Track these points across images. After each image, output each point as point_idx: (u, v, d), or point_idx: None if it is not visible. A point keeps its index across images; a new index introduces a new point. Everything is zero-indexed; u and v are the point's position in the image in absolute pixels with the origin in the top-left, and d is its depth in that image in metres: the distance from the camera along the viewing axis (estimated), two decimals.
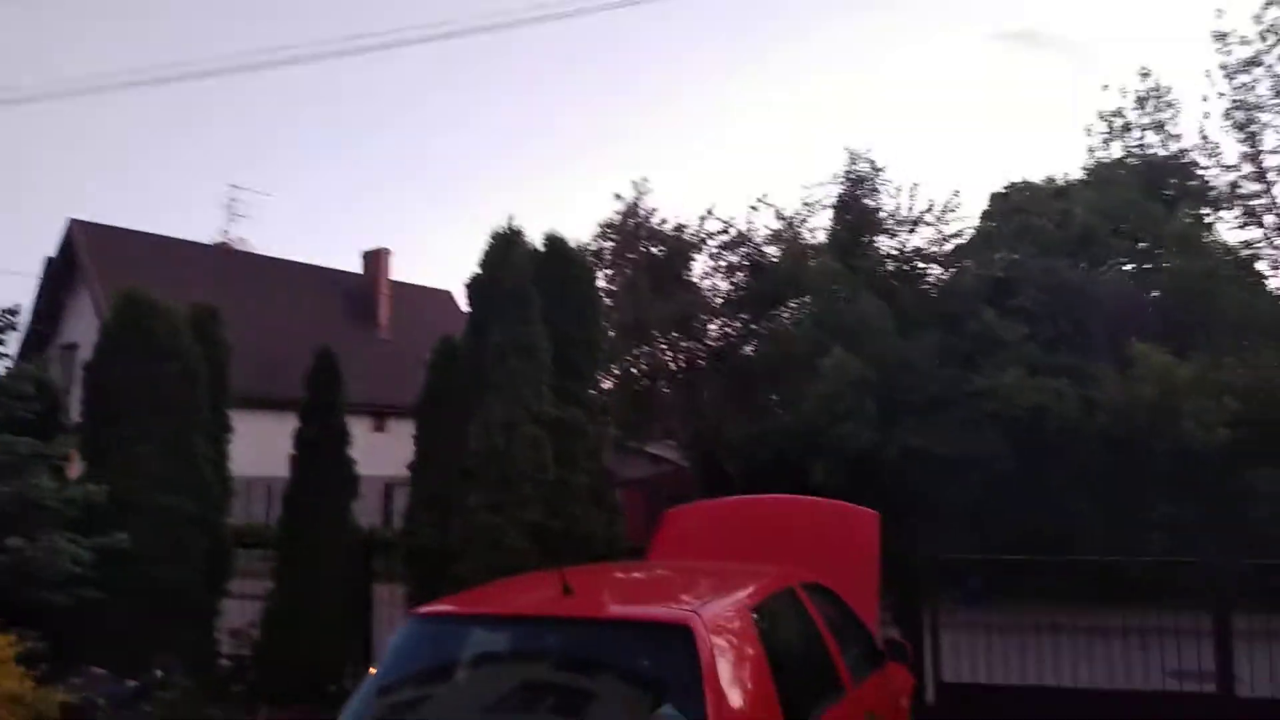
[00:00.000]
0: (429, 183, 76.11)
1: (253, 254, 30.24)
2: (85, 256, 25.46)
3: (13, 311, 7.31)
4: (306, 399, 7.97)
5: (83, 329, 24.79)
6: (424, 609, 4.17)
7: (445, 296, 35.30)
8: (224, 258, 29.11)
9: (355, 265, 32.33)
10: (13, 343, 8.07)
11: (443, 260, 72.85)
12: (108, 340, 7.69)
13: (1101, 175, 20.69)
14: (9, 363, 7.66)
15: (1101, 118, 22.03)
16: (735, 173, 64.53)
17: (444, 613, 4.15)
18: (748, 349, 20.32)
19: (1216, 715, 6.51)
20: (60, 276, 26.73)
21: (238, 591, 8.42)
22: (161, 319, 7.77)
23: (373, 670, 3.97)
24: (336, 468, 7.81)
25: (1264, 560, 11.88)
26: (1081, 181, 21.81)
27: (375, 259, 31.76)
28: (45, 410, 7.41)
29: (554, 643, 3.92)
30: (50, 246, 27.20)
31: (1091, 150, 22.19)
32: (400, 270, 34.18)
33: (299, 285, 29.90)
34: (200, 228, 75.83)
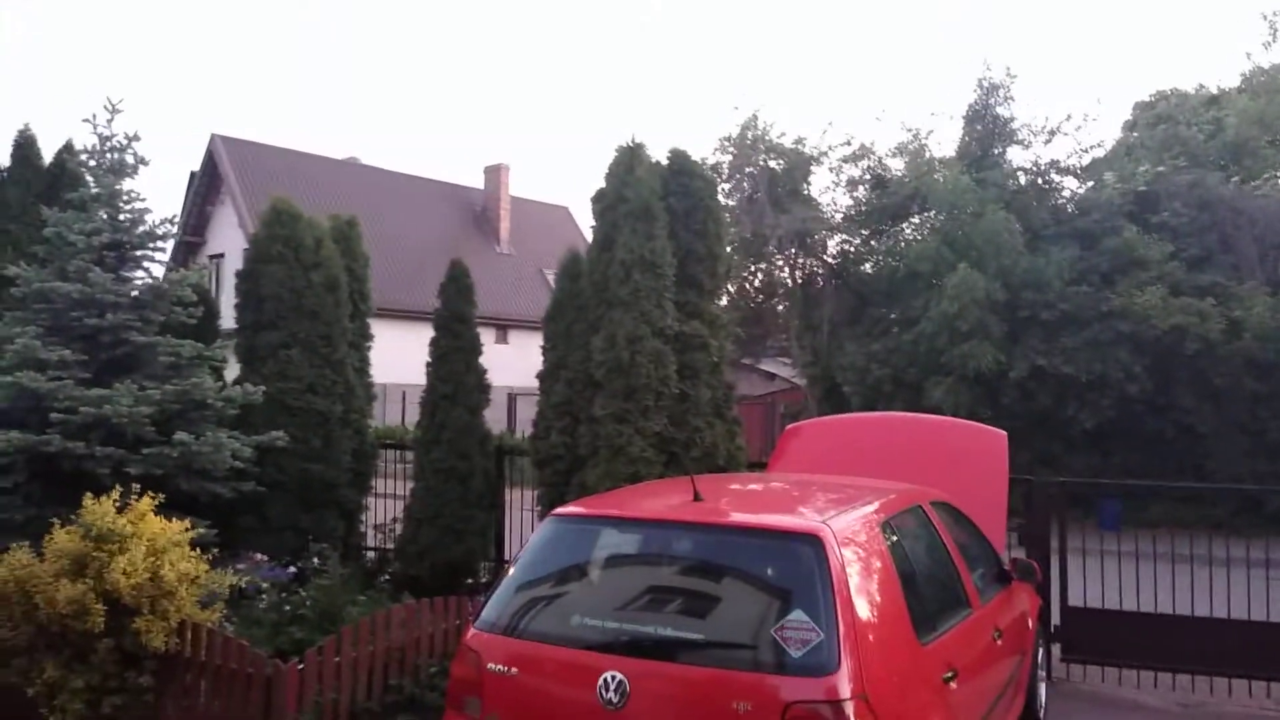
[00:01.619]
0: (546, 99, 75.90)
1: (379, 168, 31.04)
2: (228, 170, 26.63)
3: (170, 221, 7.75)
4: (441, 309, 8.26)
5: (228, 239, 26.13)
6: (561, 510, 4.34)
7: (562, 212, 35.62)
8: (353, 171, 30.00)
9: (476, 181, 32.84)
10: (169, 252, 8.59)
11: (559, 176, 73.12)
12: (257, 250, 8.10)
13: (1259, 82, 19.06)
14: (167, 270, 8.17)
15: (1263, 18, 20.22)
16: (861, 83, 61.94)
17: (581, 514, 4.32)
18: (867, 266, 19.86)
19: None
20: (205, 190, 28.08)
21: (379, 490, 8.95)
22: (307, 230, 8.13)
23: (511, 566, 4.18)
24: (469, 376, 8.12)
25: None
26: (1237, 89, 20.17)
27: (495, 174, 32.21)
28: (204, 316, 7.90)
29: (685, 547, 4.03)
30: (195, 161, 28.47)
31: (1249, 55, 20.46)
32: (518, 186, 34.61)
33: (423, 199, 30.67)
34: (330, 142, 77.94)
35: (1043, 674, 6.08)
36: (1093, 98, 36.72)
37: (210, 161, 27.21)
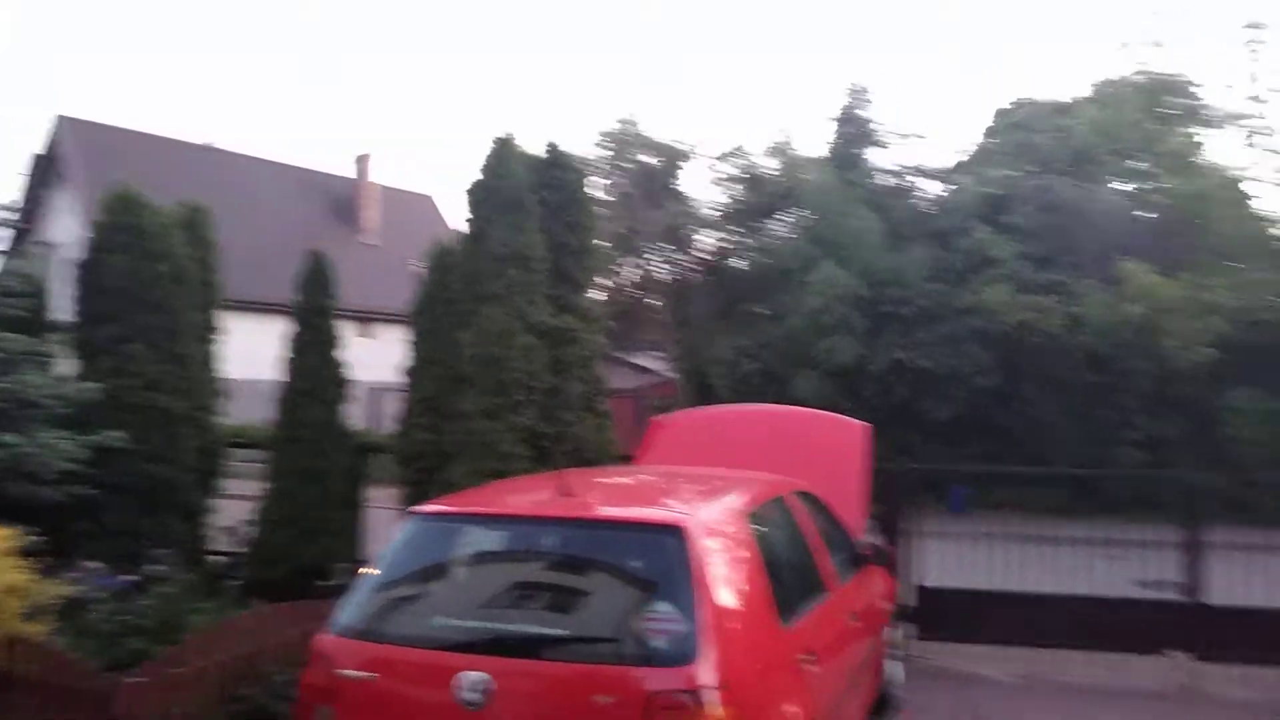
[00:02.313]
0: (413, 88, 74.30)
1: (237, 154, 29.64)
2: (73, 154, 24.96)
3: (9, 208, 7.15)
4: (298, 302, 7.93)
5: (64, 226, 24.44)
6: (424, 508, 4.22)
7: (426, 201, 34.85)
8: (209, 157, 28.54)
9: (340, 169, 31.78)
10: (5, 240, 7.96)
11: (426, 166, 71.56)
12: (98, 239, 7.58)
13: (1106, 93, 20.41)
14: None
15: (1112, 34, 21.59)
16: (736, 84, 63.15)
17: (444, 512, 4.21)
18: (739, 262, 20.26)
19: (1182, 621, 6.77)
20: (45, 173, 26.25)
21: (230, 491, 8.52)
22: (152, 218, 7.66)
23: (369, 567, 4.04)
24: (328, 371, 7.82)
25: (1238, 475, 12.22)
26: (1086, 99, 21.53)
27: (361, 163, 31.23)
28: (34, 308, 7.34)
29: (550, 543, 4.00)
30: (39, 144, 26.60)
31: (1097, 68, 21.89)
32: (386, 175, 33.65)
33: (285, 187, 29.48)
34: (187, 126, 74.11)
35: (897, 652, 6.31)
36: (956, 104, 38.54)
37: (55, 144, 25.42)
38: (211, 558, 8.23)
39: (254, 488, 8.14)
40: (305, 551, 7.42)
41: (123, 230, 7.48)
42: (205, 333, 8.23)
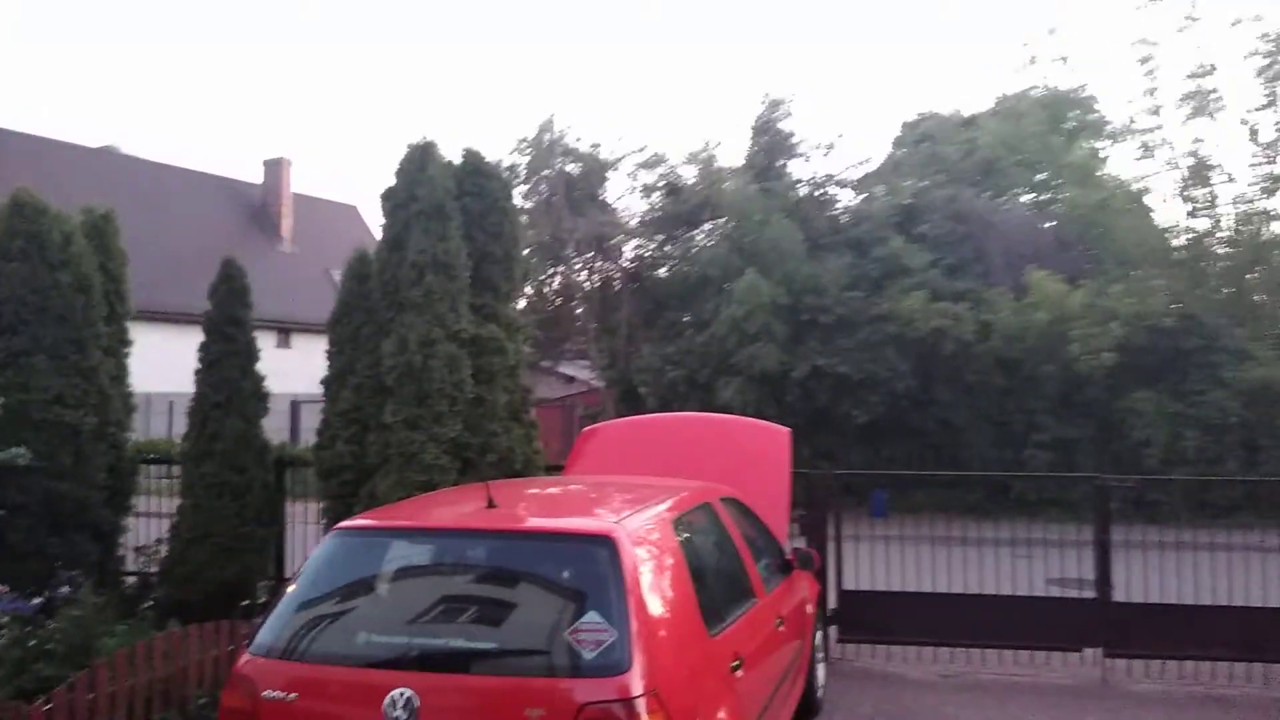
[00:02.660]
0: (333, 94, 72.84)
1: (142, 159, 28.66)
2: None
3: None
4: (211, 313, 7.70)
5: None
6: (346, 523, 4.16)
7: (350, 211, 34.27)
8: (111, 161, 27.53)
9: (255, 175, 30.99)
10: None
11: (348, 174, 70.30)
12: None
13: (1008, 106, 21.18)
14: None
15: (1012, 49, 22.41)
16: (653, 94, 63.62)
17: (366, 527, 4.16)
18: (662, 271, 20.38)
19: (1094, 617, 7.04)
20: None
21: (142, 508, 8.24)
22: (53, 225, 7.35)
23: (290, 585, 3.95)
24: (245, 383, 7.61)
25: (1141, 476, 12.77)
26: (989, 112, 22.30)
27: (276, 169, 30.50)
28: None
29: (477, 555, 3.97)
30: None
31: (999, 81, 22.73)
32: (302, 183, 32.95)
33: (195, 194, 28.61)
34: (87, 130, 71.28)
35: (821, 655, 6.43)
36: (865, 115, 39.50)
37: None
38: (124, 578, 7.94)
39: (169, 505, 7.88)
40: (223, 570, 7.20)
41: (21, 237, 7.17)
42: (114, 344, 7.92)
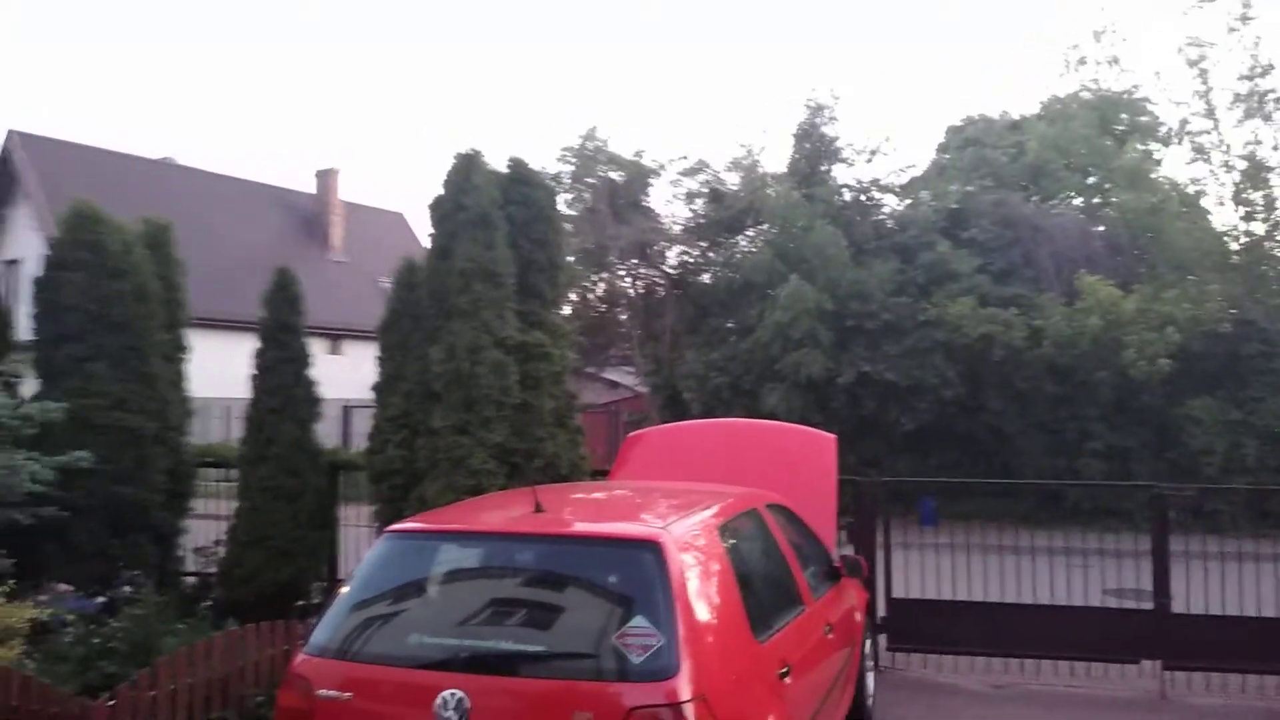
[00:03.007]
0: (380, 104, 73.98)
1: (197, 169, 29.33)
2: (25, 170, 24.56)
3: None
4: (265, 319, 7.87)
5: (25, 244, 24.05)
6: (398, 526, 4.22)
7: (397, 218, 34.74)
8: (168, 173, 28.22)
9: (305, 185, 31.56)
10: None
11: (396, 182, 71.29)
12: (58, 256, 7.50)
13: (1056, 109, 20.85)
14: None
15: (1059, 52, 22.11)
16: (696, 101, 63.65)
17: (417, 530, 4.21)
18: (705, 277, 20.36)
19: (1151, 630, 6.89)
20: (2, 190, 25.82)
21: (200, 511, 8.42)
22: (113, 235, 7.58)
23: (344, 586, 4.02)
24: (298, 389, 7.77)
25: (1199, 485, 12.48)
26: (1036, 116, 21.97)
27: (326, 179, 31.03)
28: None
29: (526, 559, 4.01)
30: None
31: (1047, 84, 22.39)
32: (351, 191, 33.51)
33: (248, 203, 29.23)
34: (145, 142, 73.22)
35: (871, 664, 6.36)
36: (910, 119, 39.12)
37: (6, 160, 24.99)
38: (184, 579, 8.13)
39: (225, 507, 8.05)
40: (278, 571, 7.35)
41: (83, 247, 7.41)
42: (172, 351, 8.15)
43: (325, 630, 3.79)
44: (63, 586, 6.56)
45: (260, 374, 7.77)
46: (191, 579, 8.21)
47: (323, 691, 3.58)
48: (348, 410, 19.07)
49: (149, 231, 8.32)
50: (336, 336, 26.77)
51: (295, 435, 7.61)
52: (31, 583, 6.40)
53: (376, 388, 7.37)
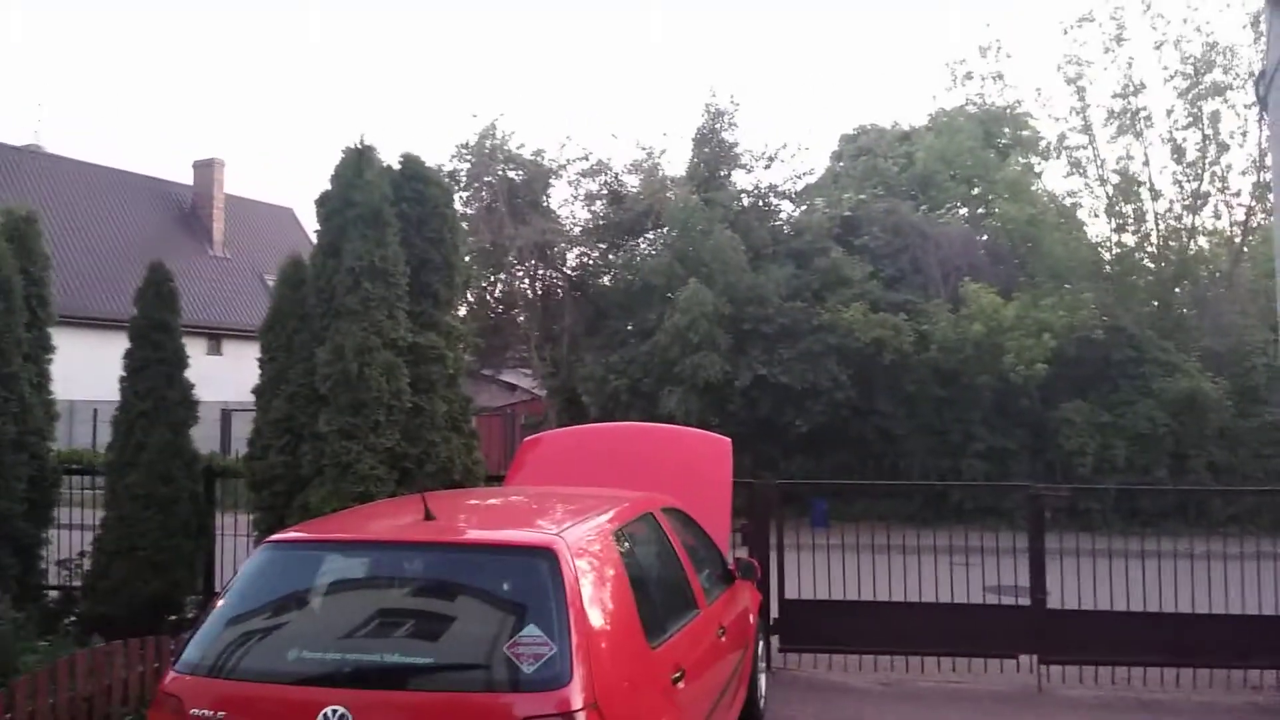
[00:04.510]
0: (270, 95, 71.54)
1: (68, 158, 27.76)
2: None
3: None
4: (137, 318, 7.46)
5: None
6: (278, 535, 4.05)
7: (286, 213, 33.64)
8: (34, 161, 26.62)
9: (185, 176, 30.24)
10: None
11: (283, 177, 69.10)
12: None
13: (943, 122, 21.65)
14: None
15: (946, 65, 22.94)
16: (596, 102, 63.71)
17: (299, 539, 4.05)
18: (605, 279, 20.35)
19: (1029, 624, 7.16)
20: None
21: (64, 521, 7.94)
22: None
23: (220, 599, 3.83)
24: (172, 391, 7.38)
25: (1073, 485, 13.09)
26: (925, 127, 22.76)
27: (207, 170, 29.76)
28: None
29: (415, 568, 3.88)
30: None
31: (935, 97, 23.23)
32: (236, 184, 32.25)
33: (122, 195, 27.82)
34: (9, 128, 68.95)
35: (763, 665, 6.43)
36: (805, 127, 40.06)
37: None
38: (46, 593, 7.64)
39: (93, 517, 7.60)
40: (149, 584, 6.98)
41: None
42: (35, 351, 7.64)
43: (199, 646, 3.61)
44: None
45: (131, 375, 7.36)
46: (55, 593, 7.73)
47: (196, 710, 3.41)
48: (227, 414, 18.34)
49: (11, 223, 7.80)
50: (216, 335, 25.74)
51: (168, 440, 7.23)
52: None
53: (258, 390, 7.06)
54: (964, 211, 21.02)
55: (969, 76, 21.83)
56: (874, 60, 66.22)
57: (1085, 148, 19.59)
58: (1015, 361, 15.67)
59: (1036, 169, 21.10)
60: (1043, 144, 21.12)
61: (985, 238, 19.73)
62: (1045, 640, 7.09)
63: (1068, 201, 20.29)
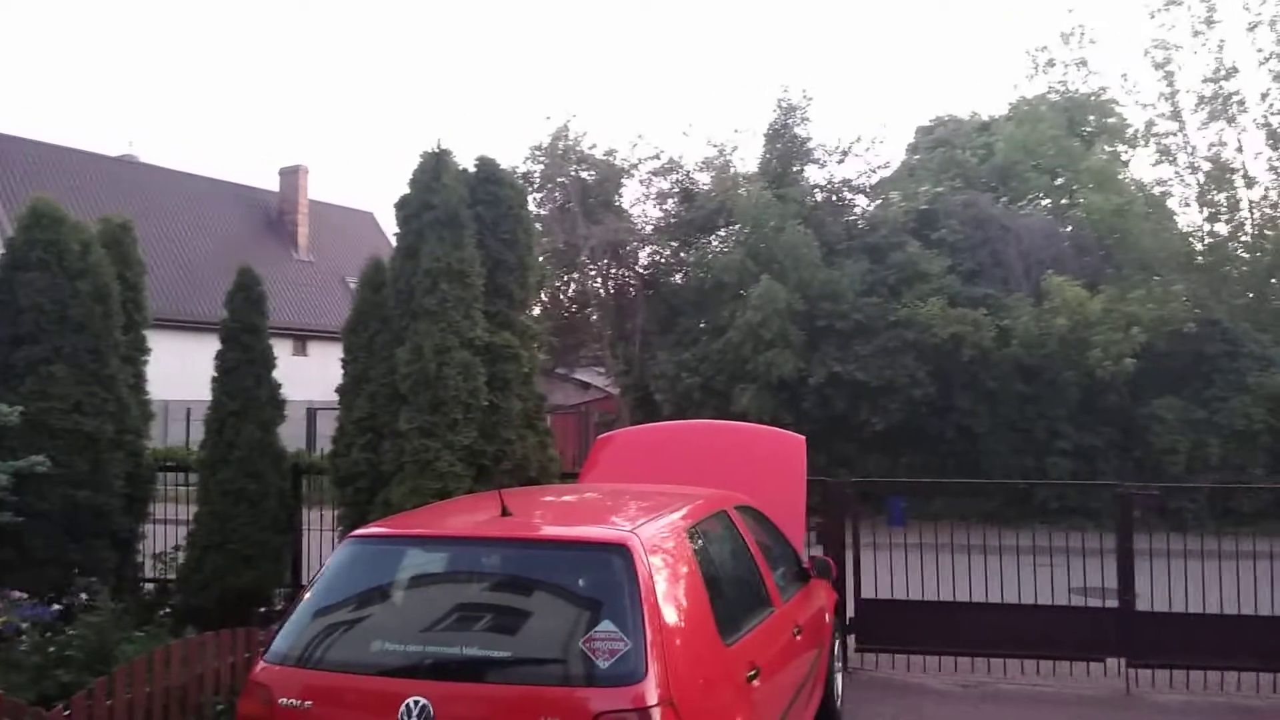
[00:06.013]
0: (350, 101, 73.32)
1: (159, 167, 28.90)
2: None
3: None
4: (228, 320, 7.74)
5: None
6: (361, 531, 4.16)
7: (366, 217, 34.43)
8: (129, 170, 27.79)
9: (271, 183, 31.19)
10: None
11: (364, 181, 70.72)
12: (15, 256, 7.31)
13: (1024, 111, 21.08)
14: None
15: (1027, 53, 22.34)
16: (667, 100, 63.71)
17: (381, 534, 4.15)
18: (677, 277, 20.35)
19: (1117, 627, 6.95)
20: None
21: (160, 515, 8.27)
22: (72, 234, 7.41)
23: (306, 592, 3.94)
24: (261, 391, 7.63)
25: (1164, 484, 12.64)
26: (1005, 117, 22.19)
27: (292, 176, 30.66)
28: None
29: (492, 563, 3.95)
30: None
31: (1015, 86, 22.66)
32: (319, 189, 33.13)
33: (212, 202, 28.85)
34: (105, 139, 72.07)
35: (839, 665, 6.36)
36: (879, 120, 39.39)
37: None
38: (142, 585, 7.98)
39: (186, 512, 7.91)
40: (239, 577, 7.23)
41: (40, 246, 7.23)
42: (132, 353, 7.98)
43: (286, 637, 3.72)
44: (17, 594, 6.39)
45: (222, 376, 7.64)
46: (150, 585, 8.06)
47: (284, 700, 3.51)
48: (312, 413, 18.86)
49: (109, 231, 8.15)
50: (302, 337, 26.51)
51: (257, 438, 7.48)
52: None
53: (341, 389, 7.26)
54: (1047, 202, 20.44)
55: (1051, 64, 21.25)
56: (950, 51, 64.81)
57: (1175, 135, 18.89)
58: (1102, 356, 15.19)
59: (1123, 157, 20.41)
60: (1129, 132, 20.42)
61: (1069, 229, 19.15)
62: (1134, 643, 6.87)
63: (1156, 190, 19.59)
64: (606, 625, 3.35)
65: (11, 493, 6.41)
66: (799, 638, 4.92)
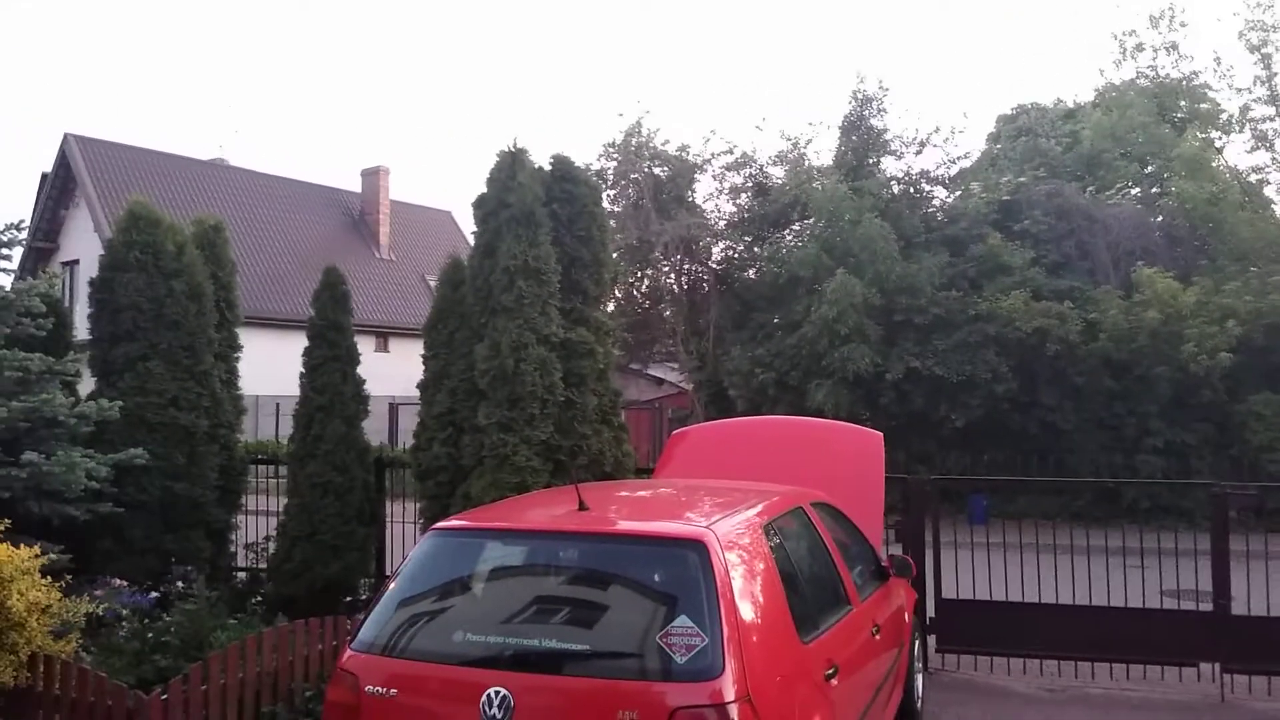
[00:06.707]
0: (429, 103, 74.65)
1: (247, 169, 29.88)
2: (82, 172, 25.23)
3: (17, 227, 7.25)
4: (314, 318, 7.97)
5: (83, 245, 24.72)
6: (442, 524, 4.24)
7: (445, 216, 35.03)
8: (219, 173, 28.79)
9: (354, 184, 31.98)
10: (16, 259, 8.03)
11: (442, 180, 72.00)
12: (114, 257, 7.65)
13: (1111, 97, 20.35)
14: (14, 279, 7.67)
15: (1114, 37, 21.56)
16: (741, 94, 63.29)
17: (462, 527, 4.22)
18: (751, 272, 20.23)
19: (1212, 631, 6.70)
20: (57, 192, 26.56)
21: (251, 507, 8.57)
22: (167, 235, 7.73)
23: (391, 583, 4.04)
24: (346, 386, 7.84)
25: (1262, 483, 12.11)
26: (1091, 104, 21.47)
27: (374, 177, 31.41)
28: (54, 327, 7.41)
29: (570, 557, 3.98)
30: (46, 162, 26.92)
31: (1102, 71, 21.92)
32: (399, 189, 33.84)
33: (298, 203, 29.71)
34: (196, 143, 74.76)
35: (919, 665, 6.26)
36: (959, 110, 38.52)
37: (63, 163, 25.70)
38: (235, 574, 8.28)
39: (276, 504, 8.18)
40: (327, 567, 7.44)
41: (138, 248, 7.56)
42: (225, 350, 8.29)
43: (372, 627, 3.82)
44: (118, 581, 6.70)
45: (309, 372, 7.87)
46: (243, 574, 8.35)
47: (370, 688, 3.61)
48: (394, 407, 19.30)
49: (201, 232, 8.47)
50: (384, 334, 27.13)
51: (343, 432, 7.69)
52: (87, 578, 6.56)
53: (422, 385, 7.42)
54: (1136, 192, 19.72)
55: (1139, 48, 20.46)
56: (1033, 37, 62.95)
57: (1272, 120, 18.01)
58: (1196, 351, 14.60)
59: (1217, 144, 19.52)
60: (1224, 118, 19.52)
61: (1160, 219, 18.45)
62: (1229, 648, 6.61)
63: (1253, 178, 18.72)
64: (683, 620, 3.36)
65: (112, 484, 6.71)
66: (878, 637, 4.87)
